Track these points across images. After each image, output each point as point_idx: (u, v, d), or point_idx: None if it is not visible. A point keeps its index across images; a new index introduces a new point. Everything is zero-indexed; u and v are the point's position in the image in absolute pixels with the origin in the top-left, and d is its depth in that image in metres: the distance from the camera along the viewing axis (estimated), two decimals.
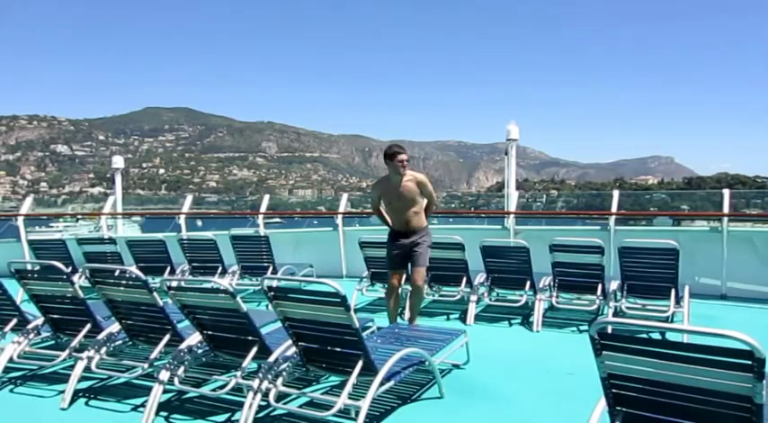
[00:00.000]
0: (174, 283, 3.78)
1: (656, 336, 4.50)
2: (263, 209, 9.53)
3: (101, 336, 3.92)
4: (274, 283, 4.40)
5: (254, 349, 3.43)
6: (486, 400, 3.69)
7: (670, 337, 4.27)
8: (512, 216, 8.15)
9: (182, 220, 9.80)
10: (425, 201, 5.07)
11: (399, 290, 5.20)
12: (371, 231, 8.63)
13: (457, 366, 4.25)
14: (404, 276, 5.22)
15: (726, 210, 7.01)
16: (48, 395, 3.88)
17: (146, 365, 3.68)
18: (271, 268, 7.10)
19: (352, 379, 3.14)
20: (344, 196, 9.48)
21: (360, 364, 3.17)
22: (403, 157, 4.92)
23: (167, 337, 3.75)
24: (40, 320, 4.20)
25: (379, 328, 4.43)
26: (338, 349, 3.31)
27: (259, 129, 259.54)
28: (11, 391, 3.98)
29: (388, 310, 5.15)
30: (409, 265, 5.07)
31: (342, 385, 3.18)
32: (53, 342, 4.46)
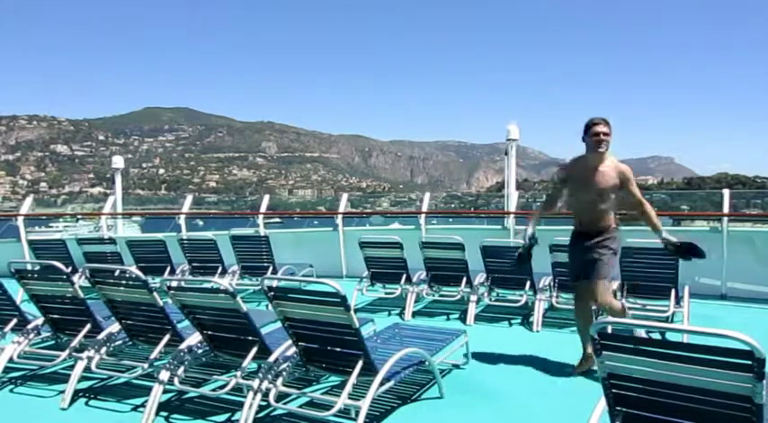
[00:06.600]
0: (174, 283, 3.77)
1: (656, 336, 4.50)
2: (263, 209, 9.53)
3: (101, 336, 3.92)
4: (274, 283, 4.41)
5: (254, 349, 3.43)
6: (486, 400, 3.69)
7: (670, 337, 4.27)
8: (512, 216, 8.16)
9: (182, 220, 9.79)
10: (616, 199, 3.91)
11: (592, 309, 4.11)
12: (371, 231, 8.65)
13: (457, 366, 4.25)
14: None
15: (726, 210, 7.00)
16: (48, 395, 3.87)
17: (146, 365, 3.68)
18: (271, 268, 7.10)
19: (352, 379, 3.13)
20: (344, 196, 9.50)
21: (360, 364, 3.17)
22: (600, 129, 3.77)
23: (167, 337, 3.75)
24: (40, 320, 4.20)
25: (378, 329, 4.43)
26: (338, 349, 3.31)
27: (259, 129, 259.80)
28: (11, 391, 3.98)
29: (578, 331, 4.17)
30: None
31: (342, 385, 3.18)
32: (53, 342, 4.46)
